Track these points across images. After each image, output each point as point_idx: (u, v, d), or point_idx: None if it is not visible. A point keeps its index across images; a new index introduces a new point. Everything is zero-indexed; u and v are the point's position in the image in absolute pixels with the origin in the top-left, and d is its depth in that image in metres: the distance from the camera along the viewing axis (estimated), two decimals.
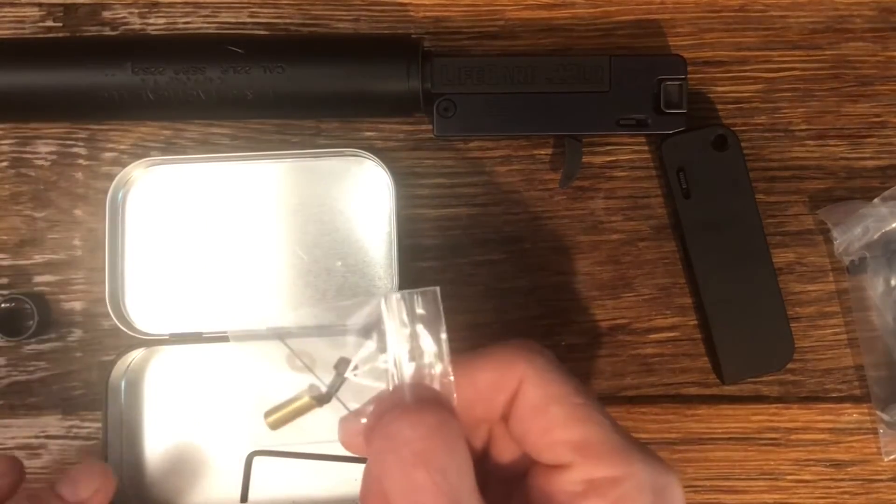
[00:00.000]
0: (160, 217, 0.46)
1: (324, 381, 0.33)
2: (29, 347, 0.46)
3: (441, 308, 0.32)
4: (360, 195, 0.46)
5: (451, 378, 0.31)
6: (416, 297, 0.32)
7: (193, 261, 0.46)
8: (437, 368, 0.32)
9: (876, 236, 0.45)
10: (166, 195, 0.46)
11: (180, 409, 0.45)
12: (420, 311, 0.32)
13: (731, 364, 0.45)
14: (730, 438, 0.46)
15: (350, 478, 0.45)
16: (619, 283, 0.46)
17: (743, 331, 0.45)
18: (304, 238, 0.46)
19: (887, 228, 0.45)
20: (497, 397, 0.31)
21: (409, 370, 0.32)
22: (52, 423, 0.46)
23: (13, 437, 0.46)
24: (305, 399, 0.34)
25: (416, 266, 0.46)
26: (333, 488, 0.45)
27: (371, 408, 0.31)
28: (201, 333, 0.45)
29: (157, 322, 0.45)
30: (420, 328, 0.32)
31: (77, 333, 0.46)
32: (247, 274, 0.46)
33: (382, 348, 0.32)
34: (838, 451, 0.46)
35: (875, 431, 0.46)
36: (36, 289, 0.47)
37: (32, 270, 0.47)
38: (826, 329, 0.46)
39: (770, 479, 0.46)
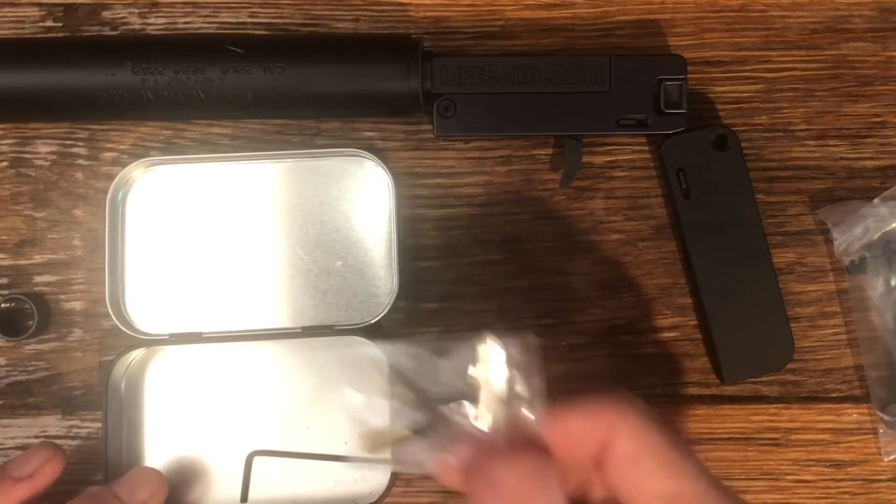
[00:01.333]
0: (160, 217, 0.46)
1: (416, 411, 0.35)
2: (29, 347, 0.46)
3: (537, 354, 0.34)
4: (361, 195, 0.46)
5: (544, 424, 0.33)
6: (513, 341, 0.34)
7: (193, 261, 0.46)
8: (532, 413, 0.33)
9: (876, 236, 0.45)
10: (166, 195, 0.46)
11: (180, 409, 0.45)
12: (517, 355, 0.34)
13: (731, 364, 0.45)
14: (730, 438, 0.46)
15: (349, 478, 0.45)
16: (619, 283, 0.46)
17: (743, 331, 0.45)
18: (305, 238, 0.46)
19: (887, 228, 0.45)
20: (588, 445, 0.32)
21: (504, 412, 0.33)
22: (52, 423, 0.46)
23: (13, 437, 0.46)
24: (406, 432, 0.36)
25: (416, 266, 0.46)
26: (333, 488, 0.45)
27: (465, 446, 0.33)
28: (201, 333, 0.45)
29: (157, 322, 0.45)
30: (516, 372, 0.34)
31: (77, 333, 0.46)
32: (247, 274, 0.46)
33: (479, 389, 0.34)
34: (838, 451, 0.46)
35: (875, 431, 0.46)
36: (36, 289, 0.47)
37: (32, 270, 0.47)
38: (826, 329, 0.46)
39: (770, 479, 0.46)
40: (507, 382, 0.34)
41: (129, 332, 0.45)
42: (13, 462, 0.40)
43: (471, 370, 0.34)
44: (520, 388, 0.34)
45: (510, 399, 0.34)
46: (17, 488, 0.39)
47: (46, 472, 0.40)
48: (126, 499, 0.40)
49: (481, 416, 0.34)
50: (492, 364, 0.34)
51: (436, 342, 0.36)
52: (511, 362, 0.34)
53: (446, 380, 0.35)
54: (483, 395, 0.34)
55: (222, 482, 0.45)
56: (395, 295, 0.44)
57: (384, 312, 0.44)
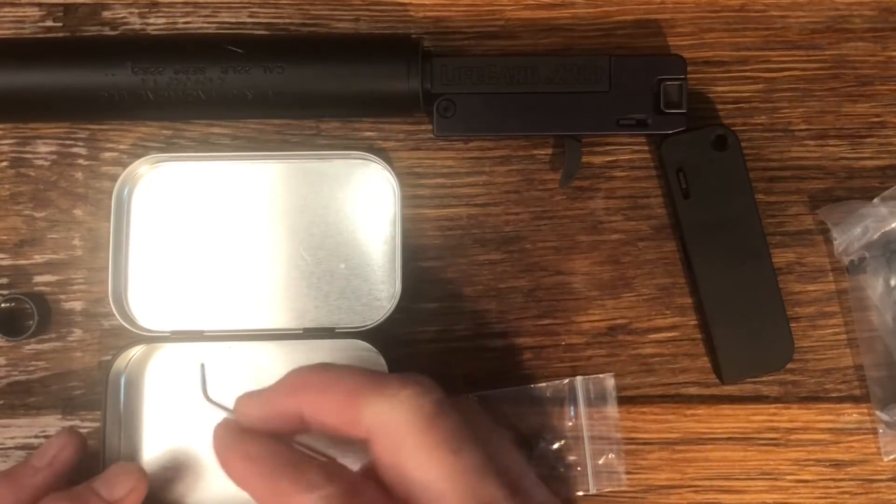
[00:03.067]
0: (165, 214, 0.46)
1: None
2: (29, 347, 0.46)
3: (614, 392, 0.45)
4: (367, 198, 0.46)
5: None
6: (594, 382, 0.45)
7: (197, 259, 0.46)
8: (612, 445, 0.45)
9: (876, 236, 0.45)
10: (172, 192, 0.46)
11: (179, 407, 0.45)
12: (597, 391, 0.45)
13: (731, 364, 0.45)
14: (730, 438, 0.46)
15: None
16: (619, 283, 0.46)
17: (743, 331, 0.45)
18: (309, 239, 0.46)
19: (887, 228, 0.45)
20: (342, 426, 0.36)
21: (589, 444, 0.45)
22: (52, 423, 0.46)
23: (13, 437, 0.46)
24: None
25: (416, 266, 0.46)
26: None
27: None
28: (202, 332, 0.45)
29: (158, 319, 0.45)
30: (597, 408, 0.45)
31: (77, 333, 0.46)
32: (250, 274, 0.46)
33: (567, 421, 0.45)
34: (838, 451, 0.46)
35: (875, 431, 0.46)
36: (36, 289, 0.47)
37: (32, 270, 0.47)
38: (826, 329, 0.46)
39: (770, 479, 0.46)
40: (590, 418, 0.45)
41: (130, 328, 0.45)
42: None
43: (561, 405, 0.45)
44: (601, 421, 0.45)
45: (594, 432, 0.45)
46: (38, 475, 0.41)
47: (62, 458, 0.42)
48: (105, 495, 0.41)
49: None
50: (581, 400, 0.45)
51: (526, 387, 0.45)
52: (591, 398, 0.45)
53: (542, 412, 0.45)
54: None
55: (221, 480, 0.45)
56: (397, 299, 0.44)
57: (385, 316, 0.44)
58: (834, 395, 0.46)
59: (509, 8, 0.48)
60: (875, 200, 0.45)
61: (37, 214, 0.47)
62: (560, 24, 0.47)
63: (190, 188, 0.46)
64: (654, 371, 0.46)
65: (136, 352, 0.45)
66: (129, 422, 0.45)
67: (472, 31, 0.47)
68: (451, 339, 0.46)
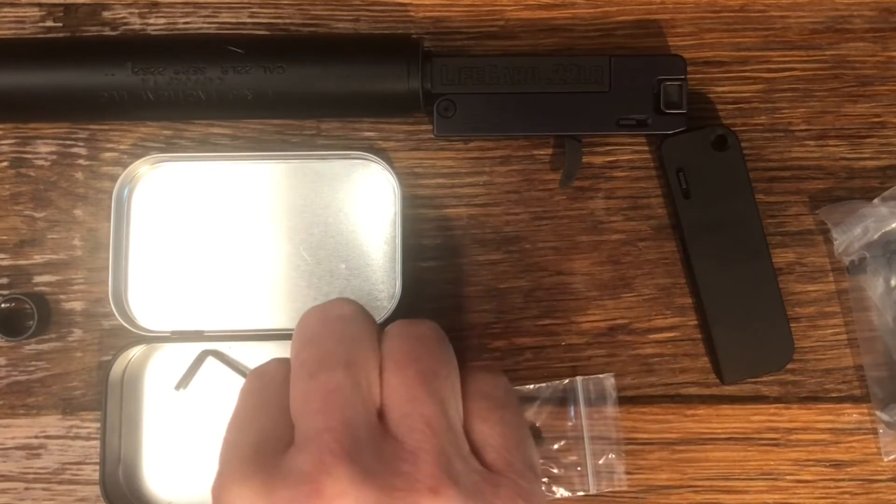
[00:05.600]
0: (165, 214, 0.46)
1: None
2: (29, 347, 0.46)
3: (615, 392, 0.45)
4: (367, 198, 0.46)
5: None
6: (594, 382, 0.45)
7: (197, 259, 0.46)
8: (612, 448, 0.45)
9: (876, 236, 0.45)
10: (172, 192, 0.46)
11: (179, 406, 0.45)
12: (597, 391, 0.45)
13: (731, 364, 0.45)
14: (730, 438, 0.46)
15: None
16: (619, 283, 0.46)
17: (743, 331, 0.45)
18: (309, 239, 0.46)
19: (887, 228, 0.45)
20: None
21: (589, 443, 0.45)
22: (52, 423, 0.46)
23: (13, 437, 0.46)
24: None
25: (416, 266, 0.46)
26: None
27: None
28: (202, 332, 0.45)
29: (158, 319, 0.45)
30: (597, 408, 0.45)
31: (77, 333, 0.46)
32: (250, 274, 0.46)
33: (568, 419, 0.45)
34: (838, 451, 0.46)
35: (875, 431, 0.46)
36: (36, 289, 0.47)
37: (32, 270, 0.47)
38: (826, 329, 0.46)
39: (770, 479, 0.46)
40: (591, 417, 0.45)
41: (130, 328, 0.45)
42: None
43: (562, 403, 0.45)
44: (601, 422, 0.45)
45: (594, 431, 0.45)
46: None
47: None
48: None
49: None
50: (582, 399, 0.45)
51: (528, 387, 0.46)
52: (593, 397, 0.45)
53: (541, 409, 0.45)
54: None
55: None
56: (397, 299, 0.44)
57: (386, 316, 0.44)
58: (834, 395, 0.46)
59: (509, 8, 0.48)
60: (875, 200, 0.45)
61: (37, 214, 0.47)
62: (560, 24, 0.47)
63: (190, 188, 0.46)
64: (654, 371, 0.46)
65: (136, 352, 0.45)
66: (129, 422, 0.45)
67: (472, 31, 0.47)
68: (451, 339, 0.46)
